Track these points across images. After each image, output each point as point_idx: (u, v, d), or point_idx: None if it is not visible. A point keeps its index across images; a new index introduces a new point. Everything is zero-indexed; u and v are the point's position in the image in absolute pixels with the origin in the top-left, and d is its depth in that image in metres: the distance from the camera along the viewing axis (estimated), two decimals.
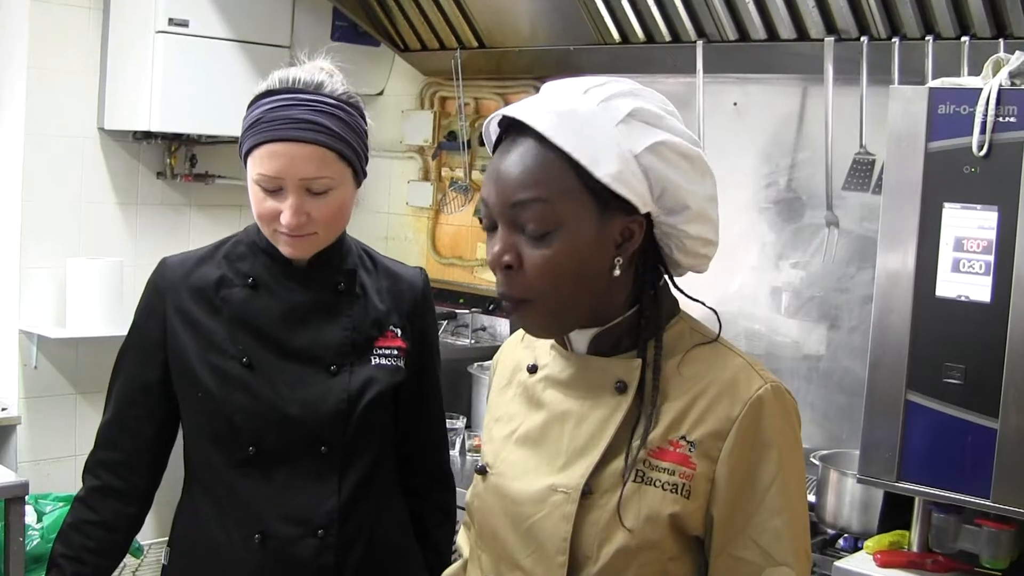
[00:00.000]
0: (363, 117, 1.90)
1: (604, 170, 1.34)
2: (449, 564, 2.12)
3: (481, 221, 4.28)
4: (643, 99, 1.41)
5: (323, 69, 1.90)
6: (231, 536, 1.89)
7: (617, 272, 1.39)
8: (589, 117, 1.36)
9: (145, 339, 1.94)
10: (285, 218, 1.81)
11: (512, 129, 1.39)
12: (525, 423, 1.50)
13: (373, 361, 1.95)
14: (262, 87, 1.86)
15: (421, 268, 2.10)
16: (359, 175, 1.90)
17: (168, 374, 1.92)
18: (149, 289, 1.96)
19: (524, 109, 1.38)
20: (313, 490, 1.89)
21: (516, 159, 1.36)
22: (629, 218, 1.38)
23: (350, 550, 1.91)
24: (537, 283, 1.36)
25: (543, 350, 1.54)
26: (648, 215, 1.39)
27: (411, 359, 2.00)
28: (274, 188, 1.81)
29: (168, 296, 1.92)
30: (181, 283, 1.92)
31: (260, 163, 1.81)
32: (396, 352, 1.97)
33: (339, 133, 1.82)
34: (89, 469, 1.97)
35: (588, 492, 1.39)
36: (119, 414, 1.96)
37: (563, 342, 1.49)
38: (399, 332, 1.99)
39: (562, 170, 1.34)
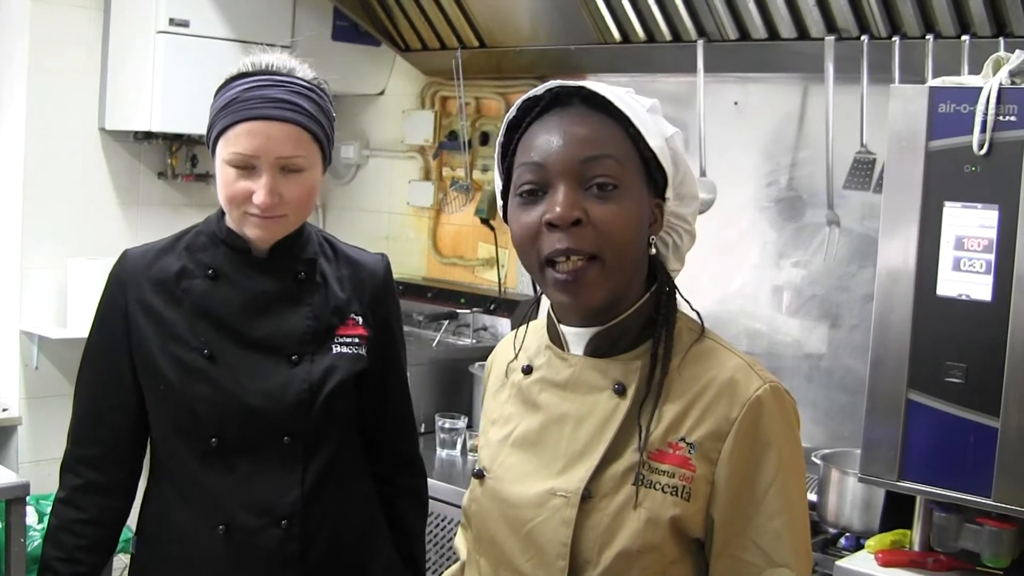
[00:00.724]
0: (331, 103, 1.92)
1: (654, 142, 1.39)
2: (421, 548, 2.14)
3: (492, 206, 4.18)
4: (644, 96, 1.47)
5: (290, 58, 1.92)
6: (196, 526, 1.89)
7: (653, 251, 1.43)
8: (631, 99, 1.42)
9: (110, 331, 1.94)
10: (258, 198, 1.81)
11: (555, 104, 1.41)
12: (522, 426, 1.49)
13: (334, 350, 1.95)
14: (233, 72, 1.87)
15: (383, 254, 2.10)
16: (327, 160, 1.91)
17: (135, 365, 1.93)
18: (111, 281, 1.96)
19: (577, 82, 1.42)
20: (277, 480, 1.89)
21: (579, 121, 1.39)
22: (654, 200, 1.42)
23: (315, 539, 1.92)
24: (608, 237, 1.35)
25: (537, 351, 1.53)
26: (662, 204, 1.43)
27: (373, 346, 2.00)
28: (247, 167, 1.81)
29: (129, 288, 1.92)
30: (142, 274, 1.93)
31: (236, 142, 1.81)
32: (357, 340, 1.97)
33: (313, 114, 1.85)
34: (68, 467, 1.96)
35: (588, 496, 1.39)
36: (93, 408, 1.96)
37: (559, 343, 1.49)
38: (360, 320, 1.99)
39: (622, 135, 1.39)
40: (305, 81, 1.86)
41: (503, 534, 1.46)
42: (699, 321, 1.48)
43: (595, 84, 1.41)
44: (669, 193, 1.43)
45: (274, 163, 1.81)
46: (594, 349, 1.45)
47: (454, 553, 1.69)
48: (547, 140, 1.38)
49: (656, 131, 1.41)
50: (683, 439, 1.38)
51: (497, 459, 1.50)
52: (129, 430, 1.96)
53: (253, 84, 1.82)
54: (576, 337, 1.46)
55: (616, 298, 1.41)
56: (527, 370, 1.52)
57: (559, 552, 1.39)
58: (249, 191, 1.82)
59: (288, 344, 1.91)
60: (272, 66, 1.86)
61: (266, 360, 1.90)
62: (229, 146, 1.82)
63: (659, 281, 1.45)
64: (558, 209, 1.35)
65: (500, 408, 1.56)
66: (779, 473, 1.37)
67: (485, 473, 1.51)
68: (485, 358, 3.84)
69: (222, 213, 1.93)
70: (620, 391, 1.41)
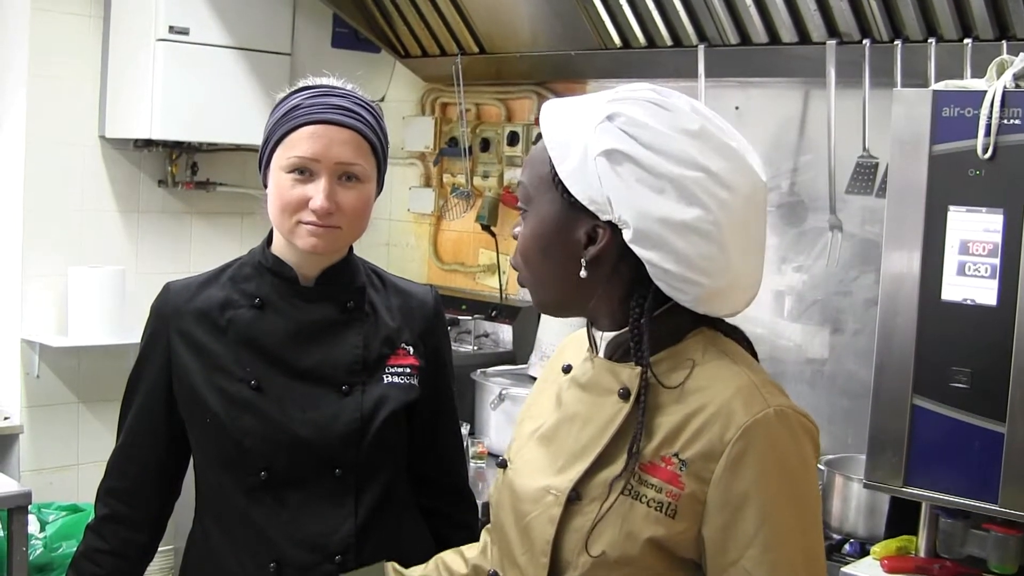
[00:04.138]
0: (386, 128, 1.92)
1: (566, 165, 1.37)
2: None
3: (492, 213, 4.28)
4: (642, 106, 1.37)
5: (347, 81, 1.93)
6: (245, 566, 1.83)
7: (583, 273, 1.39)
8: (583, 112, 1.39)
9: (150, 367, 1.91)
10: (316, 202, 1.77)
11: None
12: (547, 422, 1.51)
13: (385, 379, 1.90)
14: (294, 88, 1.87)
15: (431, 286, 2.07)
16: (380, 184, 1.90)
17: (175, 400, 1.89)
18: (152, 315, 1.93)
19: (564, 99, 1.47)
20: (328, 514, 1.84)
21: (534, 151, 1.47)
22: (595, 221, 1.37)
23: None
24: (517, 255, 1.47)
25: (578, 351, 1.53)
26: (618, 228, 1.36)
27: (425, 377, 1.95)
28: (306, 172, 1.79)
29: (171, 321, 1.89)
30: (184, 307, 1.88)
31: (297, 145, 1.79)
32: (409, 370, 1.93)
33: (374, 127, 1.85)
34: (99, 497, 1.94)
35: (576, 498, 1.38)
36: (127, 442, 1.93)
37: (593, 345, 1.49)
38: (411, 350, 1.94)
39: (545, 159, 1.41)
40: (366, 99, 1.86)
41: (508, 524, 1.48)
42: (745, 342, 1.49)
43: (560, 102, 1.45)
44: (611, 217, 1.35)
45: (334, 168, 1.79)
46: (612, 352, 1.44)
47: None
48: None
49: (580, 152, 1.35)
50: (676, 455, 1.34)
51: (520, 452, 1.52)
52: (159, 466, 1.93)
53: (316, 93, 1.82)
54: (602, 340, 1.46)
55: (563, 309, 1.47)
56: (567, 369, 1.53)
57: (543, 549, 1.39)
58: (305, 197, 1.79)
59: (338, 374, 1.86)
60: (331, 83, 1.87)
61: (315, 390, 1.85)
62: (288, 151, 1.80)
63: (634, 300, 1.39)
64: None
65: (539, 404, 1.57)
66: (776, 501, 1.30)
67: (507, 464, 1.53)
68: (487, 365, 3.81)
69: (267, 243, 1.91)
70: (625, 396, 1.40)
